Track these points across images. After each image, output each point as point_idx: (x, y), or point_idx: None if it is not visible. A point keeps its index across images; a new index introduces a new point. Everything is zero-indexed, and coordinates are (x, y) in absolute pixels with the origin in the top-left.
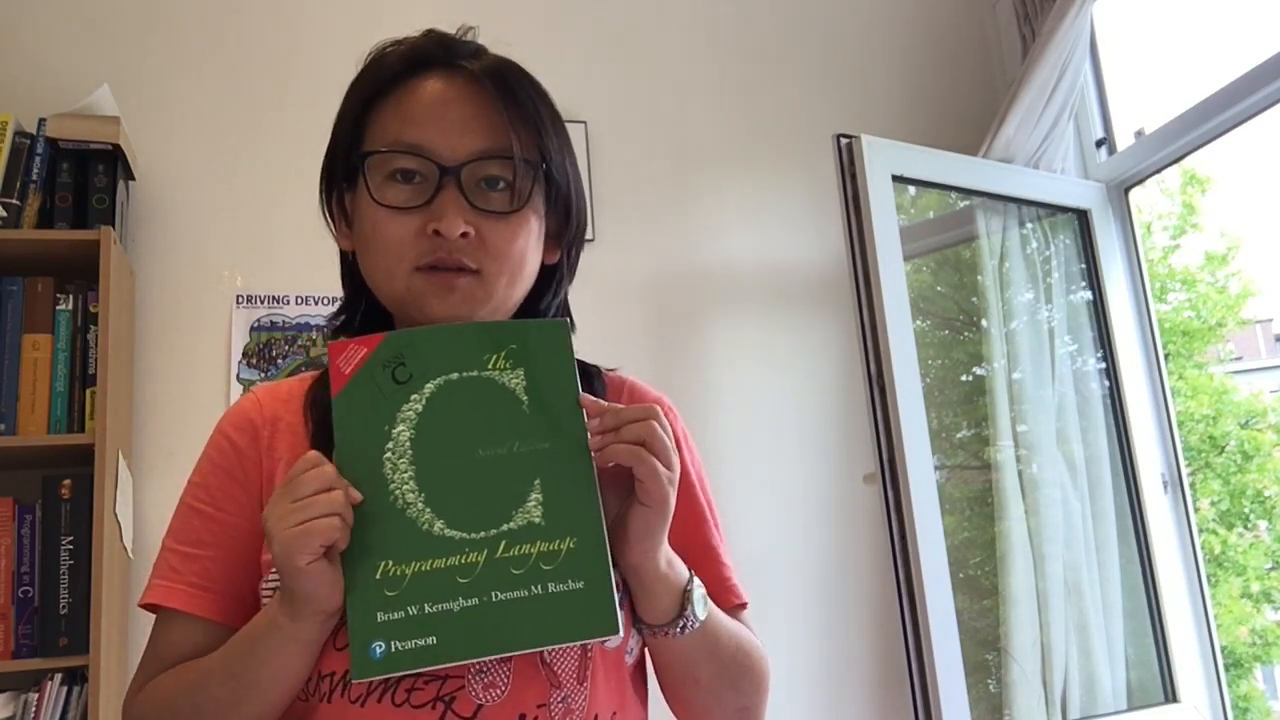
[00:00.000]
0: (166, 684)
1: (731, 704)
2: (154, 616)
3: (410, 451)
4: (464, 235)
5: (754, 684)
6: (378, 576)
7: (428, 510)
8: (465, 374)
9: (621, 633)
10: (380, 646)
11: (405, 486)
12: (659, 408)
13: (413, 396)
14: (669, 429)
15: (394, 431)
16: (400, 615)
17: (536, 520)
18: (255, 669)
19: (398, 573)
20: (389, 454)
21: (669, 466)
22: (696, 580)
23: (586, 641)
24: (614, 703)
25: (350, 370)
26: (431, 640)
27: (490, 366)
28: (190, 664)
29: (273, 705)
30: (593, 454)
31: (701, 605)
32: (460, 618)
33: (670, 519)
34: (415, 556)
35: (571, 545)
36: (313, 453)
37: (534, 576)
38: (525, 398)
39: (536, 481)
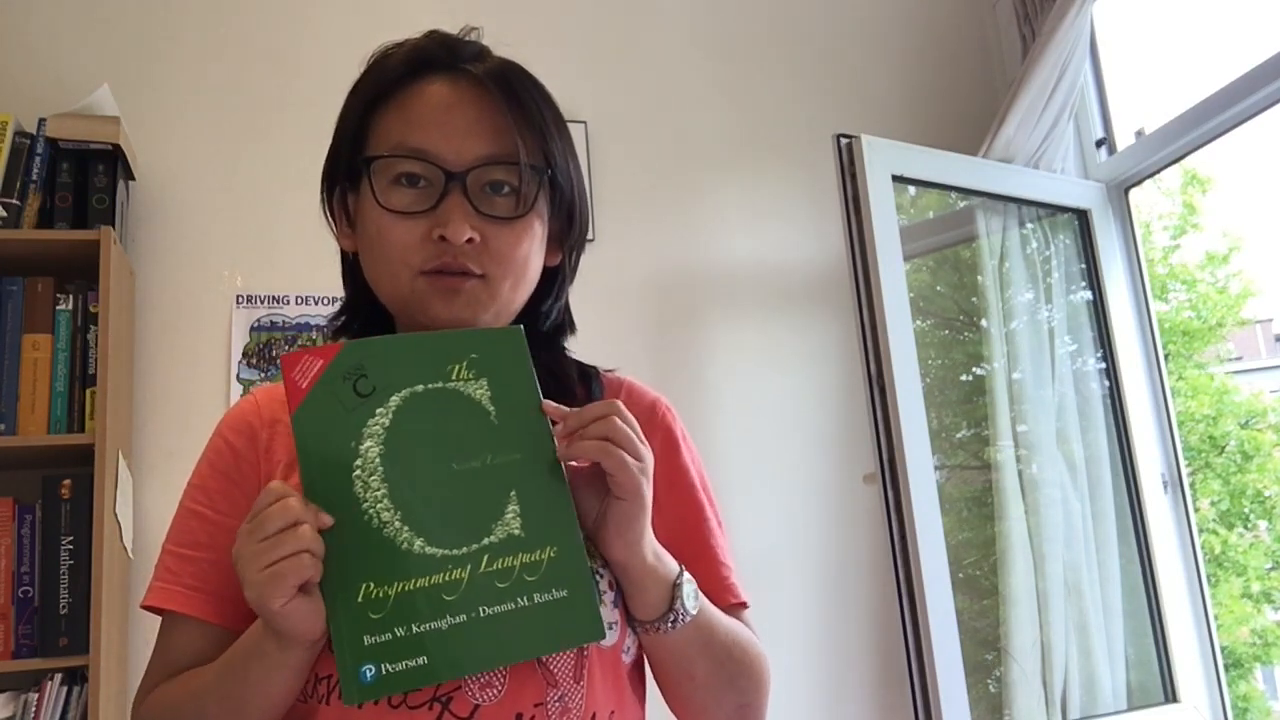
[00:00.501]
0: (171, 693)
1: (730, 702)
2: (155, 618)
3: (381, 468)
4: (469, 241)
5: (752, 682)
6: (360, 600)
7: (405, 529)
8: (430, 385)
9: (607, 637)
10: (370, 670)
11: (379, 505)
12: (619, 402)
13: (378, 410)
14: (632, 421)
15: (361, 448)
16: (388, 637)
17: (516, 532)
18: (248, 690)
19: (380, 594)
20: (359, 472)
21: (637, 457)
22: (686, 574)
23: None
24: (611, 701)
25: (307, 384)
26: (423, 660)
27: (454, 377)
28: (193, 673)
29: (271, 715)
30: (561, 456)
31: (692, 599)
32: (450, 635)
33: (649, 510)
34: (397, 577)
35: (552, 554)
36: (276, 483)
37: (519, 588)
38: (492, 408)
39: (513, 493)
